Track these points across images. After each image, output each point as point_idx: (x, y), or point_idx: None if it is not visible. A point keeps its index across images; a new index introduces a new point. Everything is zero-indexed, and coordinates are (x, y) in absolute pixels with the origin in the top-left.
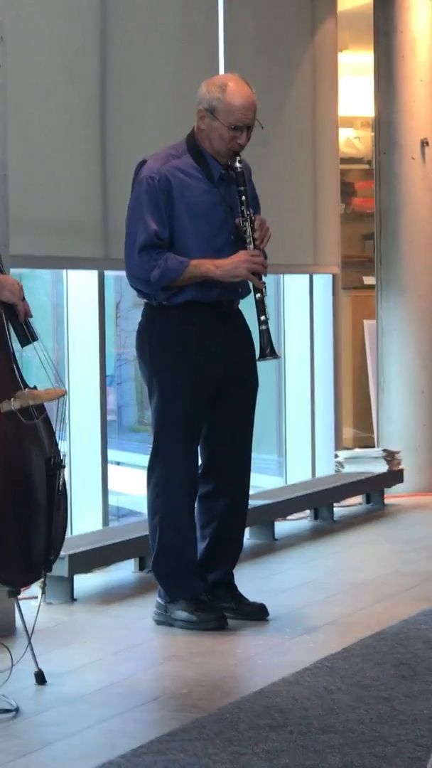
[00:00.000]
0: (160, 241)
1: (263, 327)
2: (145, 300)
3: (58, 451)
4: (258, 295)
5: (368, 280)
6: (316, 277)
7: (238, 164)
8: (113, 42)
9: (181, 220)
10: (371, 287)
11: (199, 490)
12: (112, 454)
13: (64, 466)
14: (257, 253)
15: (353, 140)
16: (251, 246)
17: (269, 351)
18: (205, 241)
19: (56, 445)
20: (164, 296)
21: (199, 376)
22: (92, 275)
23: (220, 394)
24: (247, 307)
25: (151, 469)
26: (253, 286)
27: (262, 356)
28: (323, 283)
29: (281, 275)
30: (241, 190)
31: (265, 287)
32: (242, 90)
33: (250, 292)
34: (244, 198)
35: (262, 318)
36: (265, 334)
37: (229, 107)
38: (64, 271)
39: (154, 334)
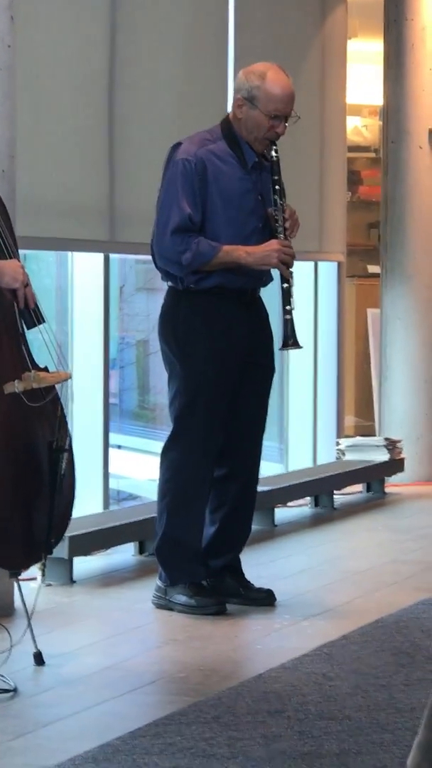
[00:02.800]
0: (192, 225)
1: (288, 317)
2: (169, 283)
3: (65, 435)
4: (285, 284)
5: (373, 268)
6: (321, 264)
7: (274, 153)
8: (123, 23)
9: (213, 205)
10: (376, 276)
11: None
12: (113, 437)
13: (66, 450)
14: (288, 243)
15: (360, 128)
16: (282, 236)
17: (292, 341)
18: (235, 227)
19: (64, 428)
20: (193, 279)
21: (224, 363)
22: (98, 258)
23: (240, 379)
24: (265, 295)
25: (167, 450)
26: (281, 275)
27: (285, 346)
28: (328, 270)
29: None
30: (276, 179)
31: (292, 277)
32: (282, 79)
33: (272, 280)
34: (278, 188)
35: (288, 308)
36: (289, 324)
37: (269, 96)
38: (69, 253)
39: (179, 318)
